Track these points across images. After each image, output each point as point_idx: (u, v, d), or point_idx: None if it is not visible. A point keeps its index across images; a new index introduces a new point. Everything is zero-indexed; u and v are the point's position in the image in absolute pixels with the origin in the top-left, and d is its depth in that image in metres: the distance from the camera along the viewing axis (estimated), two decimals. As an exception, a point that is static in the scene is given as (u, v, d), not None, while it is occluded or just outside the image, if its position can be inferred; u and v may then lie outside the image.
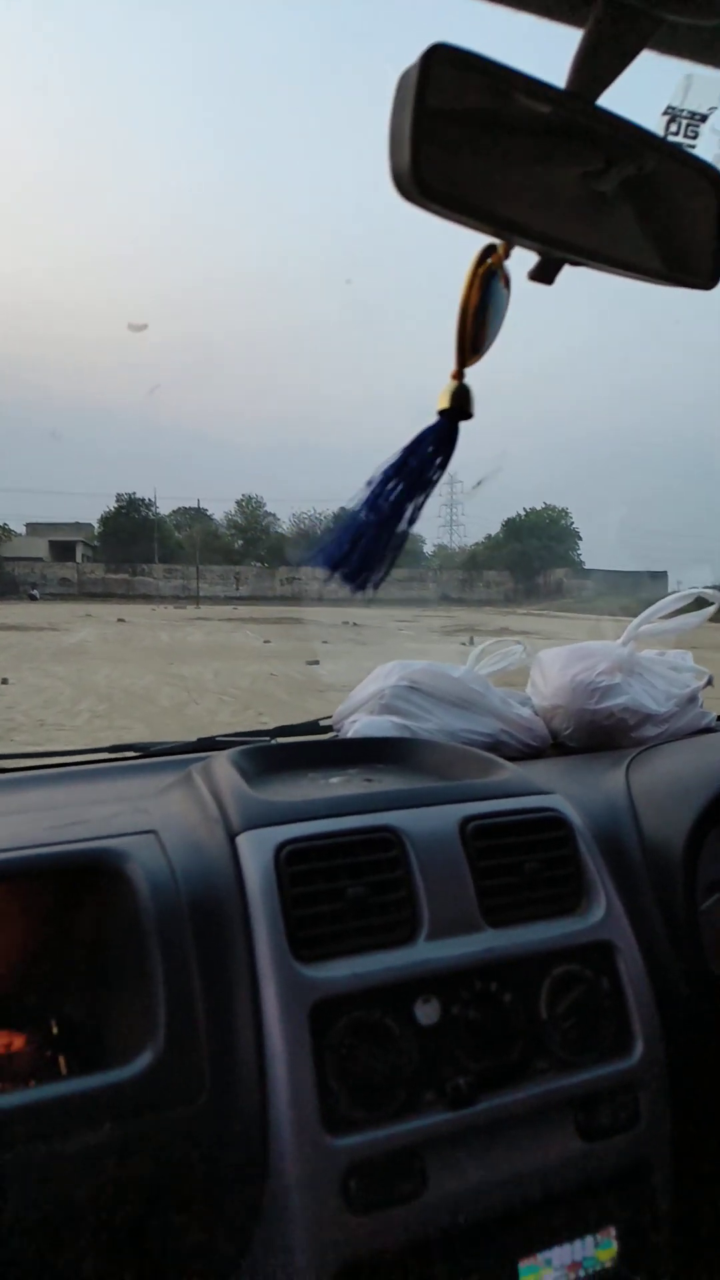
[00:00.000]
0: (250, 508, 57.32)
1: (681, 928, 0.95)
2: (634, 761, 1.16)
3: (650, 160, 0.55)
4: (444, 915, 0.84)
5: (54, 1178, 0.70)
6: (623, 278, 0.58)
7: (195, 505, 59.78)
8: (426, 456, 0.58)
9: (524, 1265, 0.81)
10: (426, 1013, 0.80)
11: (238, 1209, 0.76)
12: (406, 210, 0.51)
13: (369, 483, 0.59)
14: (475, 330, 0.56)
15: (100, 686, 9.74)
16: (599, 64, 0.51)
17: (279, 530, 56.53)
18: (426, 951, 0.82)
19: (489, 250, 0.55)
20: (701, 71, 0.53)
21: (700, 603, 1.43)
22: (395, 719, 1.31)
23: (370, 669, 1.43)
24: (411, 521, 0.59)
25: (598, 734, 1.36)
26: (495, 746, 1.31)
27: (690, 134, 0.56)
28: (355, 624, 21.70)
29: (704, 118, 0.56)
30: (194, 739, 1.33)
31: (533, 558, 50.22)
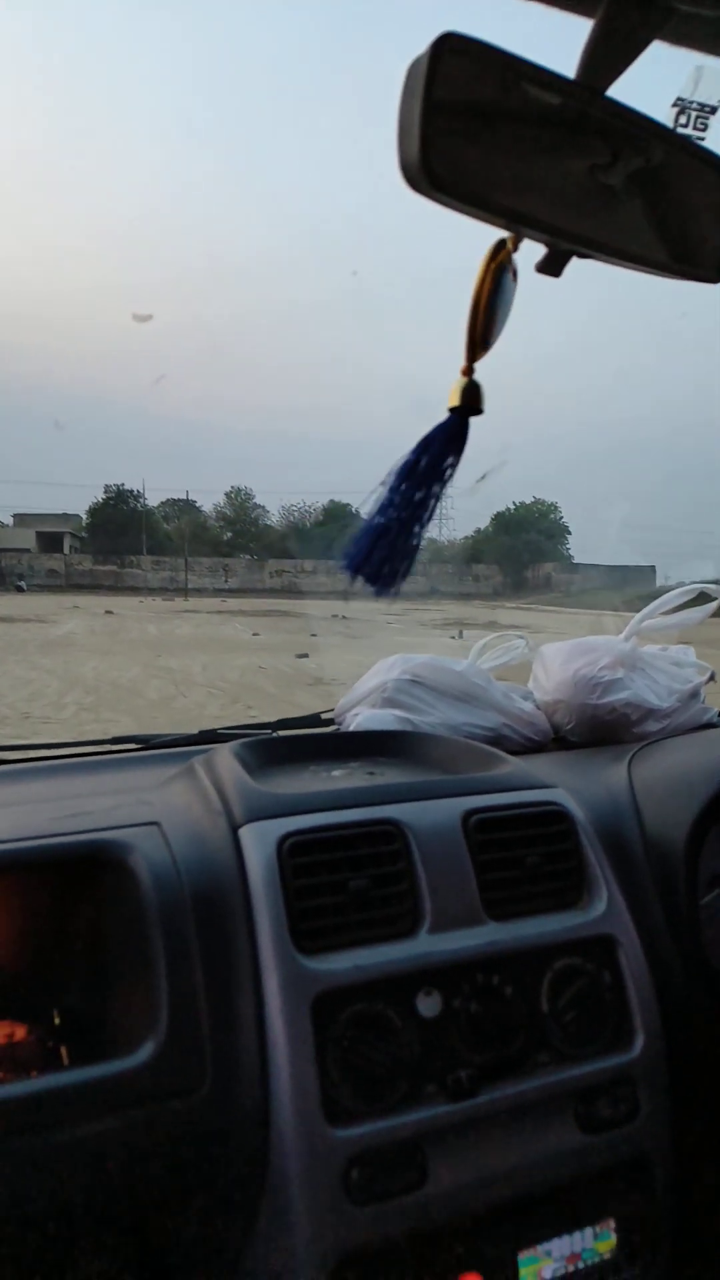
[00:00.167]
0: (239, 500, 57.08)
1: (682, 922, 0.96)
2: (636, 756, 1.17)
3: (659, 152, 0.55)
4: (446, 908, 0.85)
5: (56, 1168, 0.70)
6: (626, 270, 0.58)
7: (184, 497, 59.55)
8: (438, 455, 0.58)
9: (523, 1256, 0.81)
10: (428, 1005, 0.81)
11: (239, 1199, 0.76)
12: (406, 202, 0.51)
13: (382, 483, 0.59)
14: (485, 325, 0.56)
15: (87, 679, 9.66)
16: (609, 54, 0.51)
17: (268, 522, 56.44)
18: (428, 944, 0.82)
19: (501, 244, 0.55)
20: (712, 63, 0.53)
21: (703, 598, 1.44)
22: (397, 712, 1.31)
23: (359, 662, 1.42)
24: (427, 521, 0.59)
25: (600, 729, 1.36)
26: (497, 740, 1.31)
27: (700, 126, 0.56)
28: (345, 617, 21.65)
29: (714, 110, 0.56)
30: (195, 731, 1.32)
31: (522, 552, 50.23)
